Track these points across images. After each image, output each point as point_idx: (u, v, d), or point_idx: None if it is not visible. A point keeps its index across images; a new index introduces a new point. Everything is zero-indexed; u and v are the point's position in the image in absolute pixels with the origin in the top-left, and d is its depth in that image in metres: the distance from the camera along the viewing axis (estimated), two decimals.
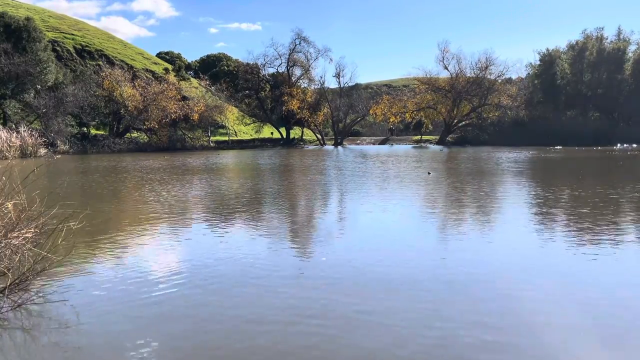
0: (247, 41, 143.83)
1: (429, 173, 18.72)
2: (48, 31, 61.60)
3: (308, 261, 6.55)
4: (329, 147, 59.47)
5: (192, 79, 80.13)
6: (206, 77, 74.33)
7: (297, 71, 64.04)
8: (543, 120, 53.51)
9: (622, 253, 6.70)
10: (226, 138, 63.07)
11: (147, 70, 73.00)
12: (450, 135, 61.52)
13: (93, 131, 50.26)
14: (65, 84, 45.01)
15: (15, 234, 5.13)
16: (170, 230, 8.65)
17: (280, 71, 64.02)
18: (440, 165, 25.10)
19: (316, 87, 65.10)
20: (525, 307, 4.75)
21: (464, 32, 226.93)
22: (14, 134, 33.78)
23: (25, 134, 34.50)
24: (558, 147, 43.00)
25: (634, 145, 42.85)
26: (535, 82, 57.57)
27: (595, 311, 4.64)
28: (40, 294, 5.03)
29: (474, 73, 61.45)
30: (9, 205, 5.33)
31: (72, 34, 71.47)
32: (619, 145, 43.13)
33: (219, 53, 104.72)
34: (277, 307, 4.75)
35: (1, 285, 4.86)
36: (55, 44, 61.76)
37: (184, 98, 54.58)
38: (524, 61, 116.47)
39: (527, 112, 56.98)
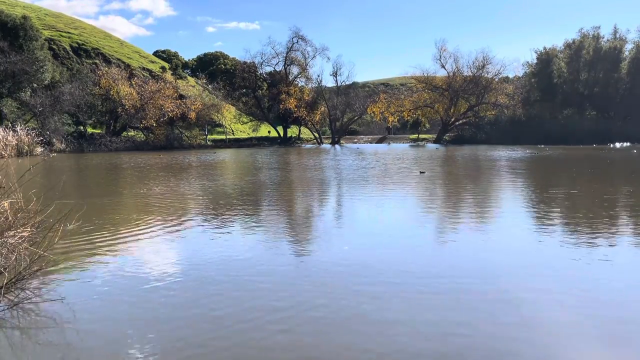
0: (245, 40, 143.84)
1: (421, 172, 18.63)
2: (44, 29, 61.36)
3: (307, 257, 6.53)
4: (326, 145, 59.46)
5: (189, 78, 80.00)
6: (203, 75, 74.14)
7: (295, 70, 64.00)
8: (540, 119, 53.68)
9: (620, 252, 6.72)
10: (223, 137, 63.02)
11: (144, 68, 72.85)
12: (448, 134, 61.66)
13: (90, 130, 50.13)
14: (62, 83, 44.80)
15: (11, 233, 5.11)
16: (167, 228, 8.60)
17: (278, 70, 63.94)
18: (435, 163, 25.12)
19: (313, 85, 65.13)
20: (525, 307, 4.76)
21: (461, 31, 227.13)
22: (10, 133, 33.61)
23: (22, 133, 34.35)
24: (555, 146, 43.01)
25: (628, 144, 42.90)
26: (532, 80, 57.71)
27: (595, 311, 4.65)
28: (37, 293, 5.01)
29: (471, 72, 61.67)
30: (5, 204, 5.31)
31: (69, 32, 71.28)
32: (618, 144, 43.14)
33: (216, 51, 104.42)
34: (277, 305, 4.73)
35: None
36: (52, 43, 61.54)
37: (181, 97, 54.45)
38: (521, 60, 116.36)
39: (524, 111, 57.15)
